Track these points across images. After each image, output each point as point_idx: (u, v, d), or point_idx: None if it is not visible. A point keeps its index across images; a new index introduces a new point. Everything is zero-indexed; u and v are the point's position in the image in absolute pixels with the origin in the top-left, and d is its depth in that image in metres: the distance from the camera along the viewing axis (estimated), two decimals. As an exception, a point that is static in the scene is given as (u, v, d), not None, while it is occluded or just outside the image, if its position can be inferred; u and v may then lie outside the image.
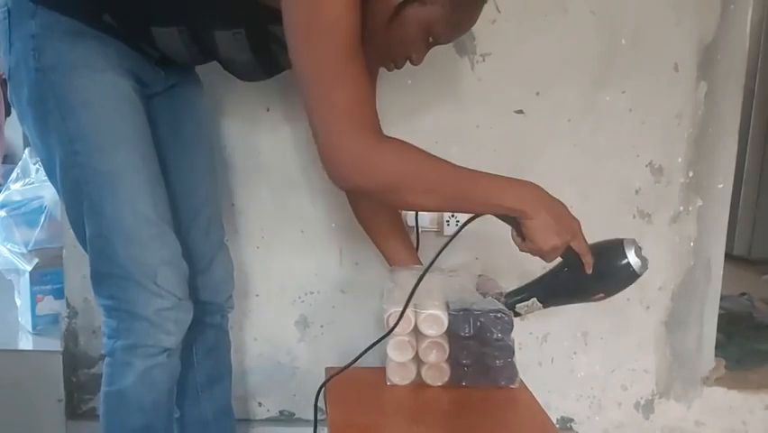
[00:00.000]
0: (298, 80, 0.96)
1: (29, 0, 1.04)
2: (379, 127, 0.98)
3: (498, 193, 1.02)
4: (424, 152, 1.00)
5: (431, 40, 1.05)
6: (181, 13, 1.07)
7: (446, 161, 1.01)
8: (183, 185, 1.27)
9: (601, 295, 1.10)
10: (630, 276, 1.07)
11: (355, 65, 0.95)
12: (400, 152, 0.98)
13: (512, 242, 1.09)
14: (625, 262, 1.06)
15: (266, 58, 1.13)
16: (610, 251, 1.08)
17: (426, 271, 1.10)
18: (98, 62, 1.07)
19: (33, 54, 1.05)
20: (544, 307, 1.15)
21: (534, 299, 1.14)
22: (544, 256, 1.07)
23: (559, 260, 1.09)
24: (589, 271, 1.06)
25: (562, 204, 1.06)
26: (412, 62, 1.09)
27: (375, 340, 1.14)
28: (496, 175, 1.03)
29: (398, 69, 1.11)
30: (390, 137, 0.98)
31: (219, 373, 1.40)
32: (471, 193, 1.02)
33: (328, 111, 0.94)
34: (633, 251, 1.06)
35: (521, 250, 1.08)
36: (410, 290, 1.10)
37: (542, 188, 1.05)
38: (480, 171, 1.02)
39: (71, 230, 1.52)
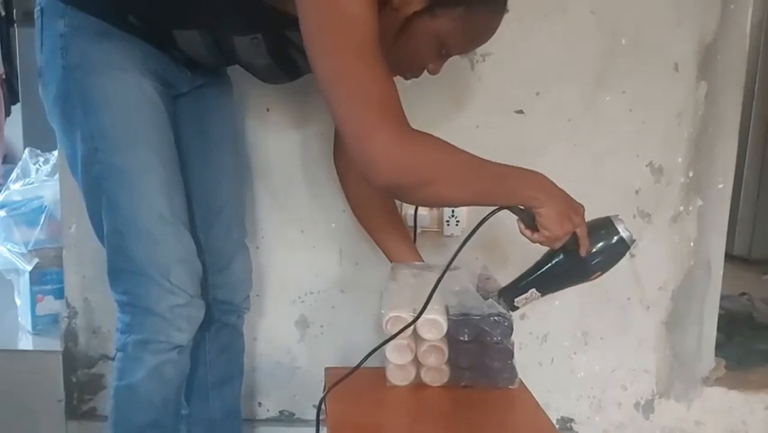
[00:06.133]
0: (321, 79, 0.93)
1: (59, 0, 1.06)
2: (408, 122, 0.95)
3: (520, 184, 1.03)
4: (452, 145, 0.99)
5: (444, 51, 1.05)
6: (201, 18, 1.08)
7: (469, 153, 0.99)
8: (206, 184, 1.28)
9: (599, 273, 1.12)
10: (624, 249, 1.11)
11: (381, 60, 0.92)
12: (435, 145, 0.97)
13: (517, 239, 1.08)
14: (618, 237, 1.10)
15: (285, 62, 1.13)
16: (602, 229, 1.11)
17: (444, 274, 1.09)
18: (123, 62, 1.08)
19: (61, 53, 1.07)
20: (543, 295, 1.16)
21: (533, 289, 1.14)
22: (553, 244, 1.07)
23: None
24: (584, 254, 1.08)
25: (564, 190, 1.07)
26: (429, 72, 1.09)
27: (377, 343, 1.14)
28: (512, 166, 1.03)
29: (416, 78, 1.11)
30: (419, 131, 0.96)
31: (230, 373, 1.40)
32: (498, 185, 1.02)
33: (361, 105, 0.91)
34: (622, 226, 1.10)
35: (532, 241, 1.08)
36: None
37: (546, 177, 1.05)
38: (498, 163, 1.01)
39: (71, 230, 1.55)
